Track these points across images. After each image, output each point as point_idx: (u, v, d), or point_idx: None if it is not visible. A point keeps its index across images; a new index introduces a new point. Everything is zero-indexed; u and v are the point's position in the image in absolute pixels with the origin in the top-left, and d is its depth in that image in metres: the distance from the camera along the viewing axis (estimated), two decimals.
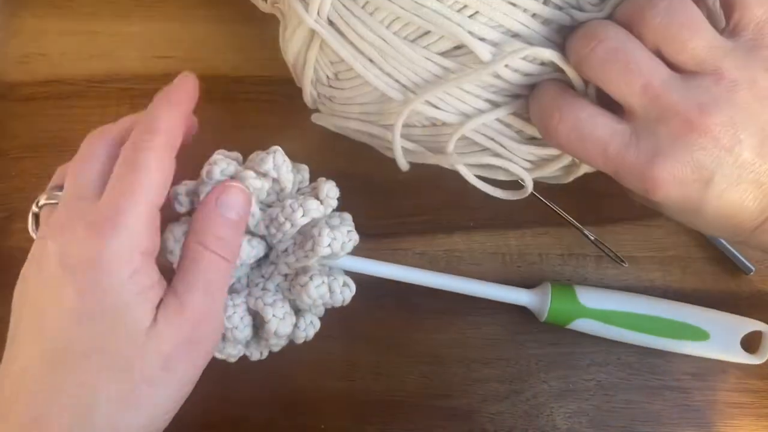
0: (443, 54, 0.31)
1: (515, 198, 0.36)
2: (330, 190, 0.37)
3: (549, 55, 0.30)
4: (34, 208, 0.34)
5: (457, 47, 0.31)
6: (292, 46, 0.35)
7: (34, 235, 0.34)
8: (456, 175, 0.44)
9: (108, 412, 0.27)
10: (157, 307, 0.29)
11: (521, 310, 0.41)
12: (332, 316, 0.38)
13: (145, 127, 0.30)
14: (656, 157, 0.28)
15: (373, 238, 0.43)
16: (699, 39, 0.27)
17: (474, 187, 0.42)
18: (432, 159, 0.36)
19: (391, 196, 0.44)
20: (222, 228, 0.32)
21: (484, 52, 0.30)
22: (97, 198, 0.29)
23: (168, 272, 0.32)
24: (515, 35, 0.30)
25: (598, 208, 0.44)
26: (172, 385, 0.29)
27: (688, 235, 0.43)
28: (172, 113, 0.31)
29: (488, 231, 0.43)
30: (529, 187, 0.35)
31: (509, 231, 0.44)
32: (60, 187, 0.32)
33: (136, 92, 0.46)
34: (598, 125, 0.29)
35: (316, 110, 0.41)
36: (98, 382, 0.27)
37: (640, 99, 0.28)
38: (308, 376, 0.42)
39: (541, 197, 0.43)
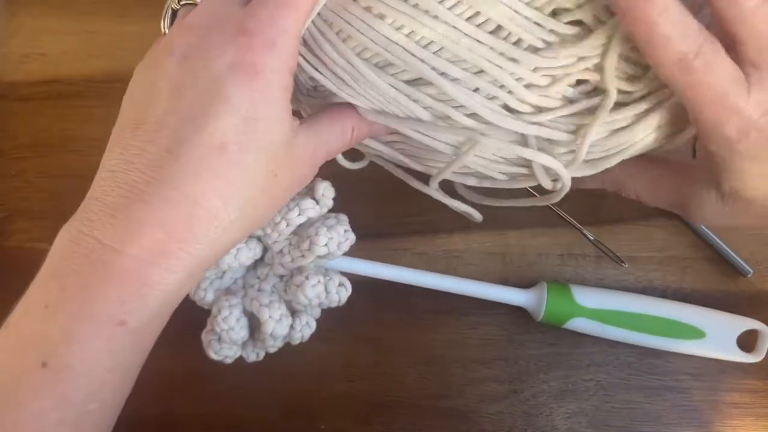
0: (408, 82, 0.31)
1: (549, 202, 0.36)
2: (326, 189, 0.37)
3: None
4: (174, 5, 0.33)
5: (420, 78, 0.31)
6: None
7: (166, 31, 0.32)
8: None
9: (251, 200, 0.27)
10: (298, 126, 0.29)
11: (520, 311, 0.41)
12: (330, 318, 0.38)
13: None
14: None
15: (373, 238, 0.43)
16: None
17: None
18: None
19: (390, 196, 0.44)
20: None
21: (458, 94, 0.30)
22: (244, 4, 0.28)
23: None
24: (480, 72, 0.30)
25: (597, 208, 0.44)
26: (284, 196, 0.31)
27: (687, 236, 0.43)
28: None
29: (488, 231, 0.43)
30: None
31: (509, 231, 0.44)
32: None
33: None
34: (720, 68, 0.25)
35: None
36: (249, 178, 0.27)
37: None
38: (307, 377, 0.42)
39: (540, 197, 0.43)
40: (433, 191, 0.36)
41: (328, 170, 0.42)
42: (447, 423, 0.41)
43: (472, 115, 0.31)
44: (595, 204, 0.44)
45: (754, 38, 0.25)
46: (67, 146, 0.45)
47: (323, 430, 0.41)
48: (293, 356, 0.39)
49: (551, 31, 0.29)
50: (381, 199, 0.44)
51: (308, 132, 0.30)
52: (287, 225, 0.36)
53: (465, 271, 0.42)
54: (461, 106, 0.31)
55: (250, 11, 0.27)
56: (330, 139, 0.31)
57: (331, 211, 0.38)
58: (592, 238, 0.43)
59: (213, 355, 0.37)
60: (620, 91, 0.30)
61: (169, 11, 0.33)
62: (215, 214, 0.26)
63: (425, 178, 0.36)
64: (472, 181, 0.34)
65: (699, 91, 0.26)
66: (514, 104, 0.30)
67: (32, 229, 0.44)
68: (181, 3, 0.32)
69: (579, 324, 0.40)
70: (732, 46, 0.25)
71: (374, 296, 0.42)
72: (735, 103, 0.26)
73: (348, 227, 0.37)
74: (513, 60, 0.29)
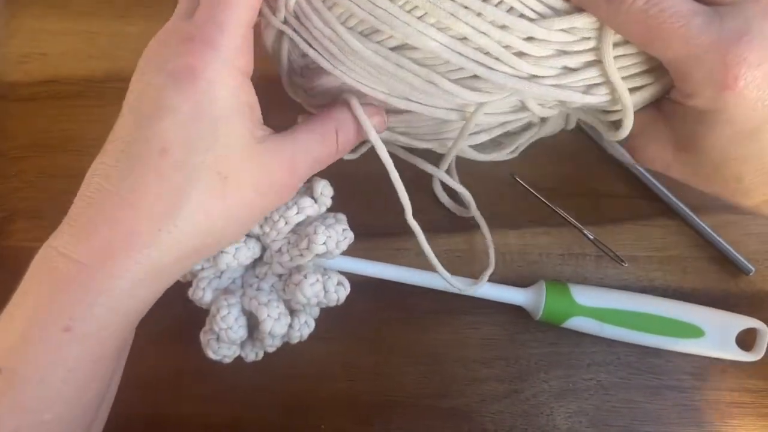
0: (394, 49, 0.31)
1: None
2: (324, 188, 0.37)
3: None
4: None
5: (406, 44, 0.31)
6: (266, 38, 0.36)
7: None
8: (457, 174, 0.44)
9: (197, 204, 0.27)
10: (265, 137, 0.29)
11: (520, 310, 0.41)
12: (330, 317, 0.38)
13: None
14: (744, 36, 0.25)
15: (373, 237, 0.43)
16: None
17: (475, 188, 0.42)
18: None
19: (391, 196, 0.44)
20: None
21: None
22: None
23: None
24: (463, 38, 0.30)
25: (598, 208, 0.44)
26: (253, 215, 0.31)
27: (688, 235, 0.43)
28: None
29: (489, 231, 0.43)
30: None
31: (509, 231, 0.44)
32: None
33: None
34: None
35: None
36: (194, 180, 0.27)
37: None
38: (307, 377, 0.42)
39: (541, 197, 0.43)
40: (443, 174, 0.37)
41: (328, 169, 0.42)
42: (447, 423, 0.41)
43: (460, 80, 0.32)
44: (595, 204, 0.44)
45: None
46: (67, 146, 0.45)
47: (323, 430, 0.41)
48: (292, 356, 0.39)
49: (544, 2, 0.29)
50: (381, 197, 0.43)
51: (284, 137, 0.30)
52: (285, 223, 0.36)
53: (466, 270, 0.42)
54: (450, 70, 0.31)
55: (193, 18, 0.28)
56: (311, 145, 0.31)
57: (330, 210, 0.38)
58: (592, 237, 0.43)
59: (212, 355, 0.37)
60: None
61: None
62: (159, 218, 0.26)
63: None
64: (483, 137, 0.36)
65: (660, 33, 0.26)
66: (502, 68, 0.31)
67: (31, 229, 0.44)
68: None
69: (578, 323, 0.40)
70: None
71: (374, 295, 0.42)
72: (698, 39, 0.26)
73: (346, 226, 0.37)
74: (503, 27, 0.30)
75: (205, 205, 0.27)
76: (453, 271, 0.42)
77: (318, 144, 0.31)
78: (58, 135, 0.45)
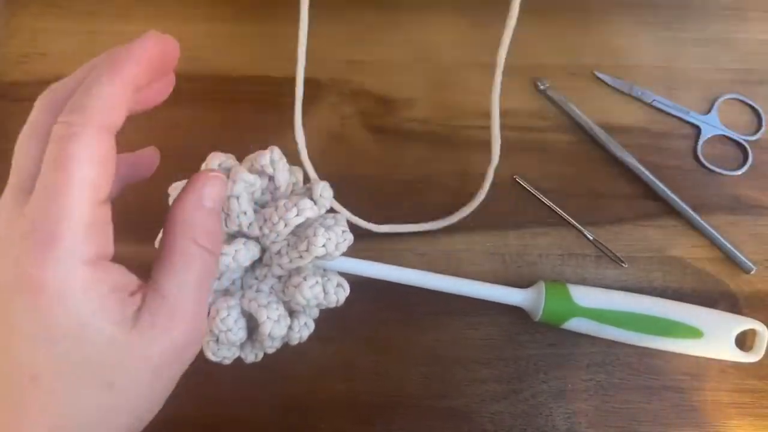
0: None
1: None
2: (324, 190, 0.37)
3: None
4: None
5: None
6: None
7: None
8: (456, 176, 0.44)
9: (87, 421, 0.24)
10: (138, 309, 0.25)
11: (519, 311, 0.41)
12: (330, 318, 0.38)
13: (74, 104, 0.24)
14: None
15: (374, 238, 0.43)
16: None
17: (475, 189, 0.42)
18: None
19: (392, 197, 0.44)
20: (210, 221, 0.28)
21: None
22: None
23: None
24: None
25: (598, 208, 0.44)
26: (158, 391, 0.27)
27: (687, 235, 0.43)
28: (113, 82, 0.24)
29: (488, 231, 0.43)
30: None
31: (509, 231, 0.44)
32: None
33: None
34: None
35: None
36: (76, 400, 0.24)
37: None
38: (307, 378, 0.42)
39: (541, 197, 0.43)
40: None
41: (329, 169, 0.42)
42: (447, 423, 0.41)
43: None
44: (595, 204, 0.44)
45: None
46: None
47: (323, 429, 0.41)
48: (292, 357, 0.38)
49: None
50: (381, 199, 0.44)
51: (157, 294, 0.26)
52: (285, 225, 0.36)
53: (466, 271, 0.42)
54: None
55: (29, 205, 0.23)
56: (186, 278, 0.27)
57: (329, 211, 0.38)
58: (592, 238, 0.43)
59: (211, 356, 0.37)
60: None
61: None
62: None
63: None
64: None
65: None
66: None
67: None
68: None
69: (578, 324, 0.40)
70: None
71: (374, 296, 0.42)
72: None
73: (346, 227, 0.37)
74: None
75: (97, 421, 0.25)
76: (453, 272, 0.42)
77: (191, 273, 0.27)
78: None
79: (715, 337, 0.40)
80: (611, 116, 0.45)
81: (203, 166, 0.38)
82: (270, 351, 0.38)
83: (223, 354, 0.37)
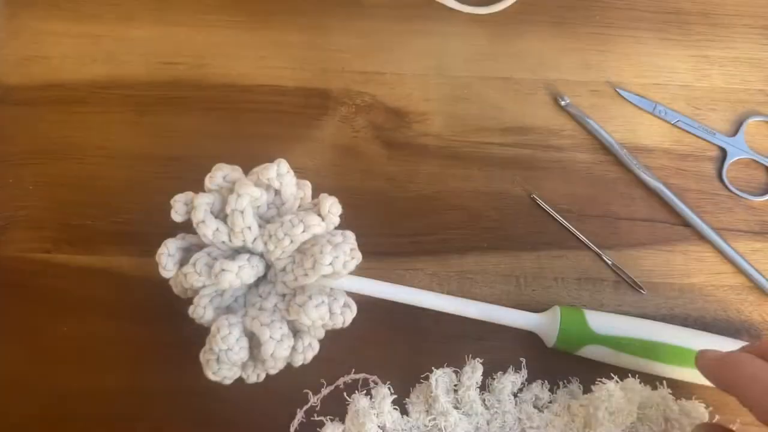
0: None
1: None
2: (332, 206, 0.36)
3: None
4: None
5: None
6: None
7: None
8: (471, 193, 0.43)
9: None
10: None
11: (533, 336, 0.40)
12: (337, 340, 0.37)
13: None
14: None
15: (384, 257, 0.42)
16: None
17: (490, 208, 0.41)
18: None
19: (403, 215, 0.42)
20: None
21: None
22: None
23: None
24: None
25: (617, 231, 0.42)
26: None
27: (710, 262, 0.42)
28: None
29: (502, 252, 0.42)
30: None
31: (524, 253, 0.42)
32: None
33: (139, 99, 0.45)
34: None
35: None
36: None
37: None
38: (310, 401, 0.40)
39: (559, 217, 0.42)
40: None
41: (338, 184, 0.41)
42: None
43: None
44: (614, 227, 0.43)
45: None
46: (67, 153, 0.44)
47: None
48: (295, 378, 0.37)
49: None
50: (393, 216, 0.42)
51: None
52: (291, 242, 0.35)
53: (478, 293, 0.41)
54: None
55: None
56: None
57: (339, 227, 0.37)
58: (610, 262, 0.41)
59: (212, 376, 0.36)
60: None
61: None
62: None
63: None
64: None
65: None
66: None
67: (29, 238, 0.42)
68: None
69: (594, 351, 0.39)
70: None
71: (382, 318, 0.40)
72: None
73: (354, 245, 0.36)
74: None
75: None
76: (464, 294, 0.40)
77: None
78: (59, 141, 0.44)
79: None
80: (633, 136, 0.44)
81: (207, 179, 0.36)
82: (272, 372, 0.37)
83: (223, 373, 0.36)
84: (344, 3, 0.47)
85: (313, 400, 0.39)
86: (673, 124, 0.44)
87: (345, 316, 0.36)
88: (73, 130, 0.44)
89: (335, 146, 0.44)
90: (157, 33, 0.46)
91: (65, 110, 0.44)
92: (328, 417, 0.37)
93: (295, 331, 0.37)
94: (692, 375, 0.38)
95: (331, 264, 0.35)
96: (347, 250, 0.35)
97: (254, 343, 0.36)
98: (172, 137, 0.43)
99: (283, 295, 0.37)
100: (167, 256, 0.36)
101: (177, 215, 0.37)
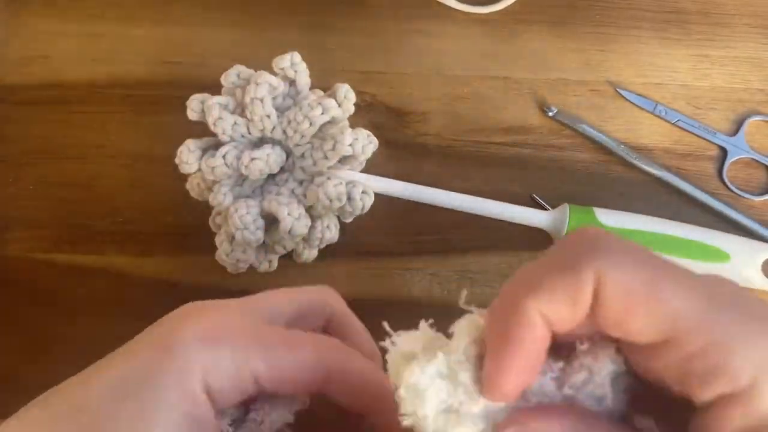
0: None
1: None
2: (347, 92, 0.37)
3: None
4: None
5: None
6: None
7: None
8: (470, 192, 0.42)
9: None
10: None
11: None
12: None
13: None
14: None
15: (384, 256, 0.41)
16: None
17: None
18: None
19: (404, 214, 0.42)
20: None
21: None
22: None
23: None
24: None
25: None
26: None
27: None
28: None
29: (503, 252, 0.42)
30: None
31: (524, 252, 0.42)
32: None
33: (139, 99, 0.44)
34: None
35: None
36: None
37: None
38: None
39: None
40: None
41: None
42: None
43: None
44: None
45: None
46: (67, 153, 0.43)
47: None
48: None
49: None
50: (394, 217, 0.42)
51: None
52: (310, 124, 0.36)
53: (478, 293, 0.41)
54: None
55: None
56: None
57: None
58: None
59: (224, 258, 0.36)
60: None
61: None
62: None
63: None
64: None
65: None
66: None
67: (29, 238, 0.42)
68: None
69: None
70: None
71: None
72: None
73: (370, 133, 0.38)
74: None
75: None
76: (467, 292, 0.40)
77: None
78: (59, 141, 0.43)
79: (741, 263, 0.39)
80: (634, 135, 0.44)
81: (222, 76, 0.38)
82: (281, 252, 0.38)
83: (237, 256, 0.36)
84: (344, 3, 0.47)
85: None
86: (673, 124, 0.44)
87: (364, 201, 0.37)
88: (73, 129, 0.44)
89: None
90: (157, 33, 0.46)
91: (65, 110, 0.44)
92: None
93: (313, 217, 0.37)
94: (698, 267, 0.38)
95: (351, 145, 0.35)
96: (365, 134, 0.36)
97: (269, 228, 0.37)
98: (172, 137, 0.43)
99: (301, 182, 0.38)
100: (188, 152, 0.37)
101: (193, 113, 0.38)
